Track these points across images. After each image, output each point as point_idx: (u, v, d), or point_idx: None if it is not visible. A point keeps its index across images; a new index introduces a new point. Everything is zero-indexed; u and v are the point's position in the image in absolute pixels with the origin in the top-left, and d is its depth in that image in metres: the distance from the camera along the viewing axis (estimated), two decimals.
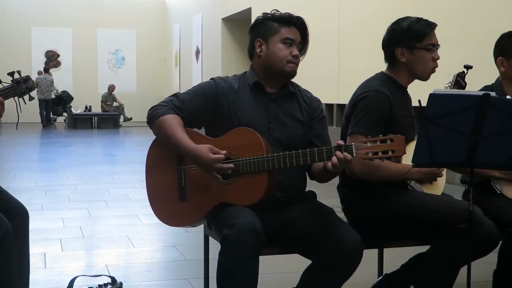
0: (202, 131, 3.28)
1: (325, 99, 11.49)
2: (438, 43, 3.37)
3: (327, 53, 11.46)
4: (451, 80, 3.61)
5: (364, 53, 10.03)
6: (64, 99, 22.73)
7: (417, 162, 2.85)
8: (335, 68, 11.40)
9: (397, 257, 3.78)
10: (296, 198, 3.23)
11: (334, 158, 2.86)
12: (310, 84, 10.54)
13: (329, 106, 11.82)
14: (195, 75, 20.78)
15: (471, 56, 6.51)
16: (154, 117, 3.20)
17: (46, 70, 22.91)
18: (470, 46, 7.86)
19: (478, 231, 3.05)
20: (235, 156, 3.07)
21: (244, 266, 2.88)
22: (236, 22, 17.73)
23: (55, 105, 22.87)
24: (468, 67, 3.60)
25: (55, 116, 23.26)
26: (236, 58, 17.74)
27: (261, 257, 2.99)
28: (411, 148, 2.98)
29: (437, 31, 3.38)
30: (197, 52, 20.89)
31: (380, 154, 2.80)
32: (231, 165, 3.03)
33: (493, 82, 3.86)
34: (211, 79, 3.30)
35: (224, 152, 3.04)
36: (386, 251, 4.04)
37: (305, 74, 9.19)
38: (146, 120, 3.26)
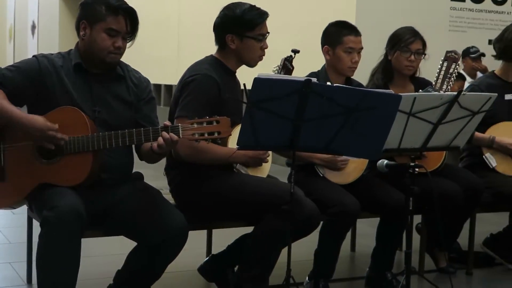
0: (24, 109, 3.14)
1: (164, 80, 11.44)
2: (268, 32, 3.43)
3: (167, 33, 11.38)
4: (279, 64, 3.70)
5: (203, 34, 10.03)
6: None
7: (242, 144, 2.89)
8: (175, 49, 11.34)
9: (226, 238, 3.83)
10: (122, 179, 3.18)
11: (160, 139, 2.84)
12: (150, 65, 10.43)
13: (168, 87, 11.76)
14: (31, 51, 19.88)
15: (302, 41, 6.69)
16: None
17: None
18: (301, 31, 8.04)
19: (299, 212, 3.15)
20: None
21: (64, 249, 2.81)
22: None
23: None
24: (295, 52, 3.70)
25: None
26: (74, 35, 17.19)
27: (84, 240, 2.93)
28: (238, 131, 3.02)
29: (270, 14, 3.43)
30: (33, 27, 20.03)
31: (206, 135, 2.82)
32: (65, 136, 2.92)
33: (320, 68, 3.99)
34: (33, 56, 3.17)
35: (57, 125, 2.93)
36: (215, 232, 4.09)
37: (144, 55, 9.09)
38: None
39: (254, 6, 3.40)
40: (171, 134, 2.83)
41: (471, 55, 7.58)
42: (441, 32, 7.34)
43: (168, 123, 2.89)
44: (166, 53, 11.57)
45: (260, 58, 3.44)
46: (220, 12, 3.44)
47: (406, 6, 7.45)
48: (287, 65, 3.68)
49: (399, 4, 7.44)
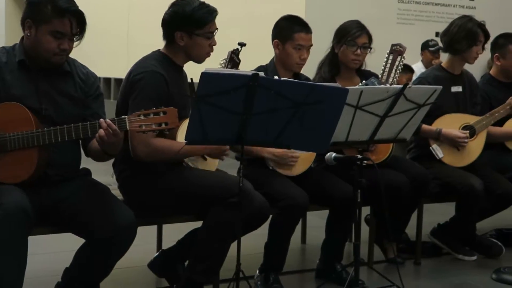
0: None
1: (114, 74, 11.31)
2: (217, 28, 3.42)
3: (116, 26, 11.26)
4: (226, 57, 3.70)
5: (153, 27, 9.93)
6: None
7: (190, 139, 2.88)
8: (125, 42, 11.24)
9: (176, 233, 3.82)
10: (70, 176, 3.14)
11: (100, 131, 2.81)
12: (99, 58, 10.19)
13: (118, 81, 11.63)
14: None
15: (251, 34, 6.68)
16: None
17: None
18: (250, 23, 8.04)
19: (248, 205, 3.15)
20: (2, 132, 2.91)
21: (11, 247, 2.76)
22: None
23: None
24: (241, 45, 3.70)
25: None
26: (21, 29, 16.85)
27: (32, 237, 2.89)
28: (186, 125, 3.01)
29: (218, 7, 3.41)
30: None
31: (153, 126, 2.80)
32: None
33: (269, 62, 3.99)
34: None
35: None
36: (166, 227, 4.07)
37: (94, 48, 8.91)
38: None
39: (203, 3, 3.38)
40: (108, 121, 2.81)
41: (430, 48, 7.66)
42: (389, 25, 7.43)
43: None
44: (115, 46, 11.45)
45: (208, 55, 3.44)
46: (169, 8, 3.41)
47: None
48: (234, 58, 3.69)
49: None
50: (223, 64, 3.69)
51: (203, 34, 3.35)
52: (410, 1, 7.80)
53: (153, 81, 3.26)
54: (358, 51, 4.07)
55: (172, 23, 3.38)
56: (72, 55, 3.16)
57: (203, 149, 3.34)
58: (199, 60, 3.44)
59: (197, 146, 3.23)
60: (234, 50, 3.69)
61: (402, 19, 7.83)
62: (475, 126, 4.42)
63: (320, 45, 4.20)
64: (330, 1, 7.38)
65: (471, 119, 4.45)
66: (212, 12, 3.37)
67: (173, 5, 3.41)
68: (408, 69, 6.88)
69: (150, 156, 3.24)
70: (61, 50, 2.99)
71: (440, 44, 7.52)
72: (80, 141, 3.15)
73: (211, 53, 3.43)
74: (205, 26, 3.35)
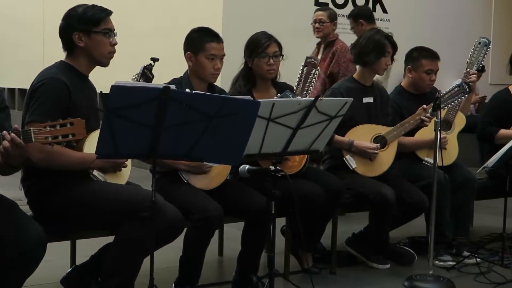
0: None
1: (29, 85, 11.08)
2: (115, 30, 3.41)
3: (32, 37, 11.04)
4: (139, 72, 3.68)
5: None
6: None
7: (101, 154, 2.84)
8: (40, 53, 11.03)
9: (91, 247, 3.75)
10: None
11: (4, 142, 2.72)
12: (15, 69, 9.88)
13: None
14: None
15: (169, 47, 6.64)
16: None
17: None
18: (167, 37, 7.99)
19: (160, 219, 3.11)
20: None
21: None
22: None
23: None
24: (154, 60, 3.69)
25: None
26: None
27: None
28: (94, 137, 2.97)
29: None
30: None
31: (60, 138, 2.74)
32: None
33: (183, 74, 3.98)
34: None
35: None
36: (80, 242, 3.99)
37: (9, 58, 8.71)
38: None
39: (96, 4, 3.42)
40: (12, 134, 2.72)
41: None
42: (306, 37, 7.51)
43: (17, 126, 2.78)
44: (31, 57, 11.22)
45: (111, 55, 3.42)
46: (64, 16, 3.43)
47: (272, 12, 7.61)
48: (146, 73, 3.67)
49: (265, 10, 7.57)
50: (135, 79, 3.67)
51: (101, 31, 3.36)
52: None
53: (53, 87, 3.23)
54: (271, 60, 4.10)
55: (68, 27, 3.39)
56: None
57: (99, 162, 3.26)
58: (103, 61, 3.42)
59: (98, 161, 3.17)
60: (147, 65, 3.68)
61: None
62: (386, 136, 4.53)
63: (238, 57, 4.22)
64: (247, 14, 7.42)
65: (382, 129, 4.56)
66: (105, 10, 3.40)
67: (66, 12, 3.44)
68: None
69: (43, 161, 3.17)
70: None
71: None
72: None
73: (113, 54, 3.42)
74: (101, 23, 3.36)
